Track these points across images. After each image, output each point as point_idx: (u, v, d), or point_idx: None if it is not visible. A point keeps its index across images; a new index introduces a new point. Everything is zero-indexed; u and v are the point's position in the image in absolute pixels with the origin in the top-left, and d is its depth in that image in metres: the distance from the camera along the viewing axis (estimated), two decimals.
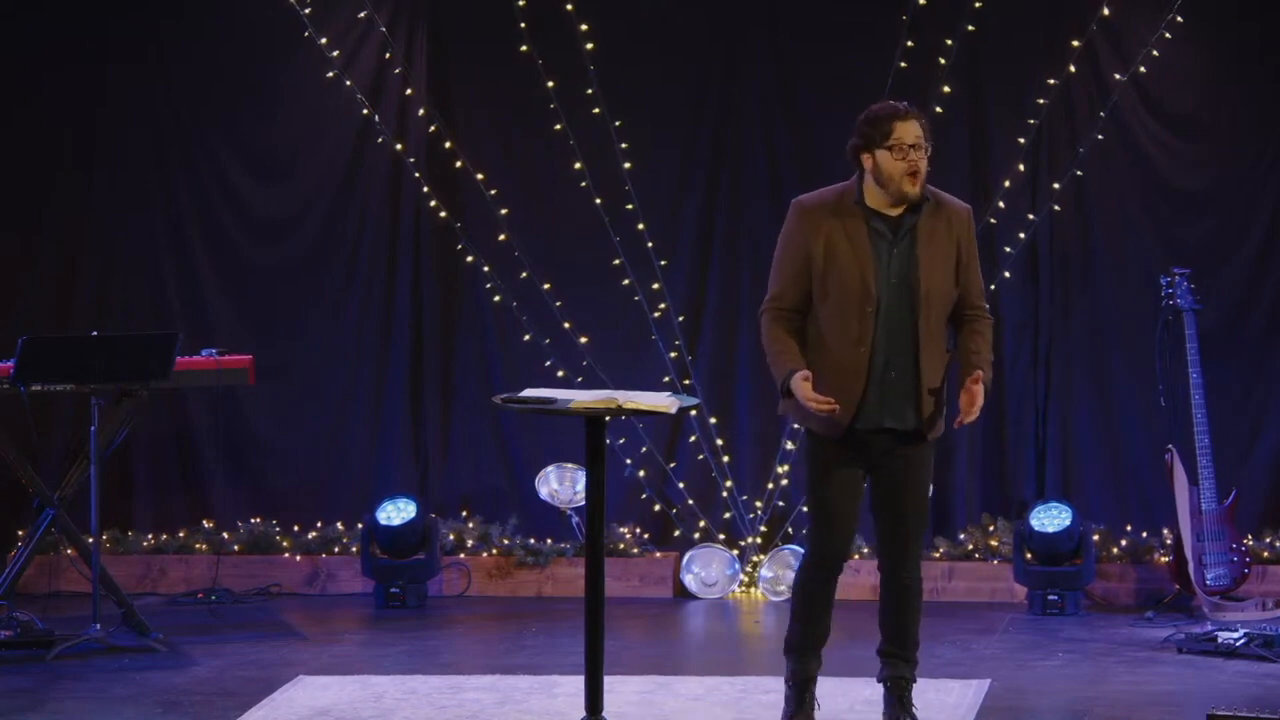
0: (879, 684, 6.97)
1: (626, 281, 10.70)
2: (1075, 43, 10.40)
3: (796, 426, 8.37)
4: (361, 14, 10.81)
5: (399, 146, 10.82)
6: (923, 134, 6.66)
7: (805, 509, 6.99)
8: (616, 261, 10.69)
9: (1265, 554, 10.21)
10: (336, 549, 10.82)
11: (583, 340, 10.73)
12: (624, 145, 10.66)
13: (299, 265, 10.99)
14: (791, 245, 6.74)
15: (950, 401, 6.78)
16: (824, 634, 6.93)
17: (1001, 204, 10.50)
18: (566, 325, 10.74)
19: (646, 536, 10.79)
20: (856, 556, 9.83)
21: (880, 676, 6.96)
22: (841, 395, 6.62)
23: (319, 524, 10.89)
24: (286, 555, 10.81)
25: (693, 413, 10.42)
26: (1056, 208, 10.51)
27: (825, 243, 6.66)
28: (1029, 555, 9.99)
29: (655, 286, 10.71)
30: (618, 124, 10.66)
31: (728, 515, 10.73)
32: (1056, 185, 10.49)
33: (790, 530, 10.57)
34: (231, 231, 11.00)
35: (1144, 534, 10.41)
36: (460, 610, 10.29)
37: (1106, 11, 10.37)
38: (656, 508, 10.79)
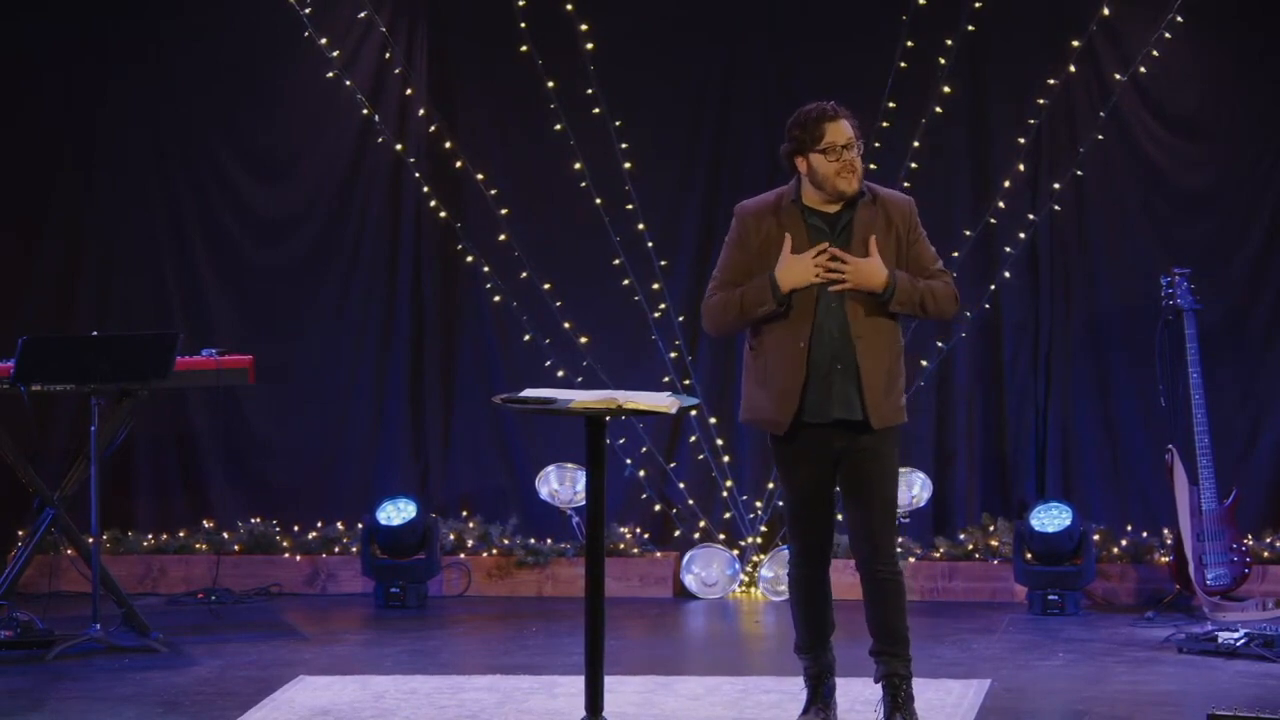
0: (877, 684, 6.99)
1: (626, 281, 10.70)
2: (1075, 43, 10.40)
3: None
4: (361, 14, 10.81)
5: (399, 146, 10.82)
6: (854, 133, 6.80)
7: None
8: (616, 261, 10.69)
9: (1265, 554, 10.21)
10: (336, 549, 10.82)
11: (583, 340, 10.72)
12: (624, 145, 10.66)
13: (299, 265, 10.99)
14: (733, 248, 6.89)
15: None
16: (828, 626, 6.98)
17: (1001, 204, 10.50)
18: (566, 325, 10.74)
19: (646, 536, 10.79)
20: None
21: (876, 676, 6.98)
22: (786, 389, 6.73)
23: (319, 524, 10.89)
24: (286, 555, 10.81)
25: (693, 413, 10.41)
26: (1056, 208, 10.51)
27: (764, 242, 6.80)
28: (1029, 555, 9.99)
29: (655, 286, 10.71)
30: (618, 124, 10.65)
31: (728, 515, 10.73)
32: (1056, 185, 10.49)
33: None
34: (232, 231, 11.00)
35: (1144, 534, 10.41)
36: (460, 610, 10.29)
37: (1106, 11, 10.37)
38: (656, 508, 10.79)
